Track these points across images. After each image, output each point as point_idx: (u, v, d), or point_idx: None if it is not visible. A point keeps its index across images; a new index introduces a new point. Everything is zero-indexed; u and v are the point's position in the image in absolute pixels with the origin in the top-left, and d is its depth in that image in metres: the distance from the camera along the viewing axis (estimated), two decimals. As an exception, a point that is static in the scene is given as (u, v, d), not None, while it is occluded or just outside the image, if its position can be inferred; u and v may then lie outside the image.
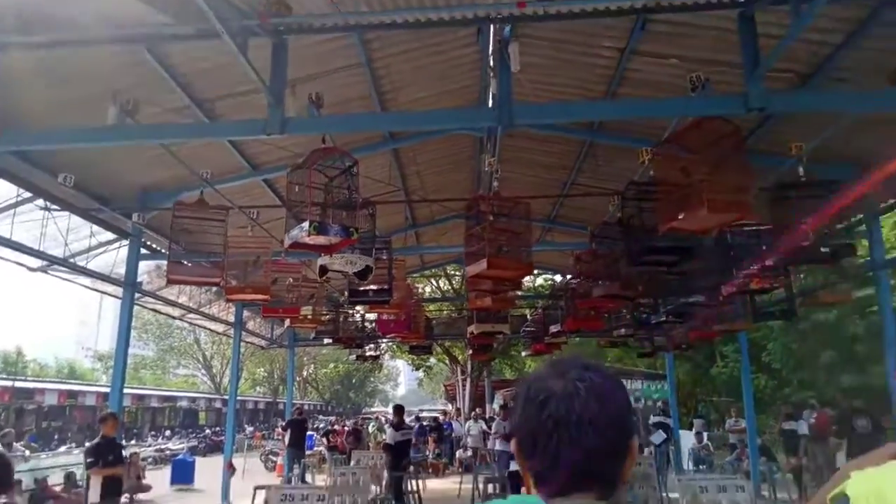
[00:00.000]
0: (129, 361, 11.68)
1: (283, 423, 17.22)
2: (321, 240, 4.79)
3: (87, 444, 7.55)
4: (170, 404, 39.55)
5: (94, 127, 5.47)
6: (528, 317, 14.47)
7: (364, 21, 5.13)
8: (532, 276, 19.74)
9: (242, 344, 16.16)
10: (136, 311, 10.23)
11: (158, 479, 16.51)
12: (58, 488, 12.07)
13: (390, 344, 21.83)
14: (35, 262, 8.17)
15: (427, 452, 19.41)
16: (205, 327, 17.77)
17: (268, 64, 4.85)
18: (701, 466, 15.65)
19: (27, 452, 15.87)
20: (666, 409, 15.88)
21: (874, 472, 0.85)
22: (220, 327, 14.99)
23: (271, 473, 18.79)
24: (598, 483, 0.99)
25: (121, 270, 8.92)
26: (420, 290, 20.71)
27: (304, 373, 45.22)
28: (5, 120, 5.68)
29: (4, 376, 31.97)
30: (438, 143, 8.96)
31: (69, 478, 12.45)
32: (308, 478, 14.97)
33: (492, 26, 5.58)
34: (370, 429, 24.13)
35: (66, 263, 8.33)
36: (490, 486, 10.57)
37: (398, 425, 11.48)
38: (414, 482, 11.08)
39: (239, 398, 29.94)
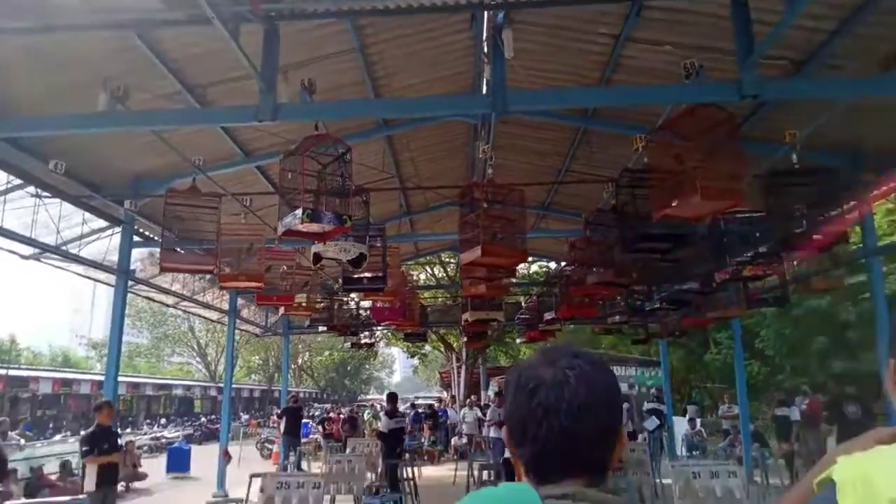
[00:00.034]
0: (124, 349, 11.65)
1: (279, 411, 17.26)
2: (314, 227, 4.78)
3: (83, 433, 7.54)
4: (165, 392, 39.52)
5: (85, 113, 5.42)
6: (523, 304, 14.51)
7: (357, 6, 5.08)
8: (526, 264, 19.78)
9: (237, 332, 16.18)
10: (129, 299, 10.21)
11: (154, 467, 16.53)
12: (53, 477, 12.06)
13: (385, 331, 21.88)
14: (27, 250, 8.13)
15: (422, 440, 19.48)
16: (199, 315, 17.75)
17: (259, 49, 4.81)
18: (694, 452, 15.76)
19: (22, 441, 15.88)
20: (660, 396, 15.99)
21: (861, 458, 0.85)
22: (214, 315, 14.97)
23: (267, 461, 18.84)
24: (587, 469, 1.01)
25: (113, 258, 8.88)
26: (415, 278, 20.77)
27: (300, 360, 45.26)
28: (-5, 106, 5.63)
29: (-2, 365, 31.87)
30: (432, 129, 8.92)
31: (65, 466, 12.44)
32: (304, 465, 15.06)
33: (485, 12, 5.54)
34: (366, 416, 24.21)
35: (58, 251, 8.29)
36: (485, 473, 10.63)
37: (392, 413, 11.51)
38: (409, 469, 11.13)
39: (234, 386, 30.02)
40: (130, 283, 9.17)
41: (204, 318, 19.09)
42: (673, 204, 4.74)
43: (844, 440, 1.08)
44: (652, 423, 14.49)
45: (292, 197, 4.91)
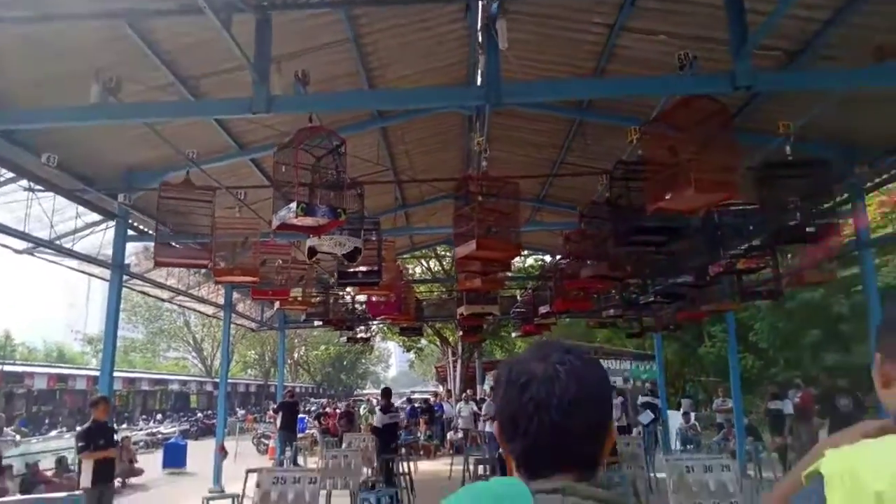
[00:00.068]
0: (119, 344, 11.63)
1: (275, 406, 17.27)
2: (309, 221, 4.76)
3: (79, 429, 7.51)
4: (161, 388, 39.51)
5: (77, 106, 5.36)
6: (518, 298, 14.51)
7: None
8: (522, 257, 19.79)
9: (233, 326, 16.16)
10: (124, 294, 10.15)
11: (150, 462, 16.51)
12: (49, 473, 12.04)
13: (381, 326, 21.86)
14: (21, 244, 8.08)
15: (418, 434, 19.52)
16: (194, 310, 17.72)
17: (252, 40, 4.77)
18: (688, 446, 15.86)
19: (18, 437, 15.87)
20: (654, 390, 16.05)
21: (848, 451, 0.86)
22: (209, 310, 14.94)
23: (263, 456, 18.85)
24: (578, 464, 1.02)
25: (108, 252, 8.85)
26: (410, 272, 20.74)
27: (296, 355, 45.27)
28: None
29: (-7, 360, 31.77)
30: (427, 121, 8.90)
31: (60, 462, 12.41)
32: (300, 460, 15.07)
33: (479, 2, 5.52)
34: (361, 411, 24.23)
35: (52, 245, 8.25)
36: (481, 468, 10.65)
37: (386, 408, 11.54)
38: (405, 464, 11.15)
39: (230, 381, 30.01)
40: (125, 277, 9.14)
41: (199, 312, 19.05)
42: (667, 197, 4.74)
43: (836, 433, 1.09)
44: (646, 416, 14.54)
45: (287, 190, 4.89)
